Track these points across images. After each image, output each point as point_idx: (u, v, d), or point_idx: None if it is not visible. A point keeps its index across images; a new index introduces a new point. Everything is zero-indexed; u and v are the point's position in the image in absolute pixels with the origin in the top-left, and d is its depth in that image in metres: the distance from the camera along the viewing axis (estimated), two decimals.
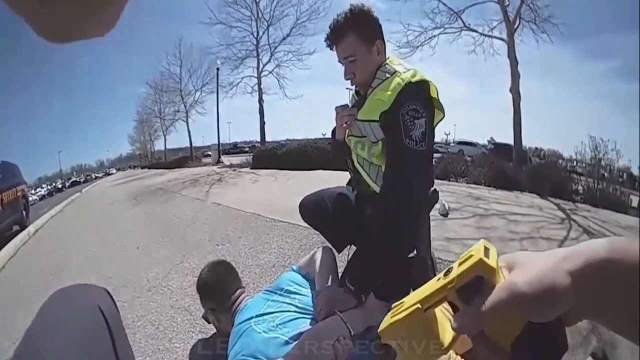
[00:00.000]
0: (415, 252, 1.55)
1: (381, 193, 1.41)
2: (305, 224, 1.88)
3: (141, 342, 1.78)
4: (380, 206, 1.39)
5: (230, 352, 1.32)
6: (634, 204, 5.92)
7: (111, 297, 0.78)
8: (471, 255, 0.40)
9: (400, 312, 0.44)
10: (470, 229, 3.42)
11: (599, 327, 1.59)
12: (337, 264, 1.60)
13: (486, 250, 0.41)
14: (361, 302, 1.34)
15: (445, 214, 3.65)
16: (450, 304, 0.42)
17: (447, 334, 0.45)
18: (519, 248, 2.89)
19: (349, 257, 1.76)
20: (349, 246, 1.79)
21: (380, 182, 1.46)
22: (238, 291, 1.62)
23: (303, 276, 1.62)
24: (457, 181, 7.36)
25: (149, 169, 17.15)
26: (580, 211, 4.83)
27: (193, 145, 21.30)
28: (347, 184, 1.81)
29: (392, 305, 0.47)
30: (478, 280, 0.39)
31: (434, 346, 0.44)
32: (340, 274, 1.58)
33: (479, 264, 0.38)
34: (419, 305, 0.43)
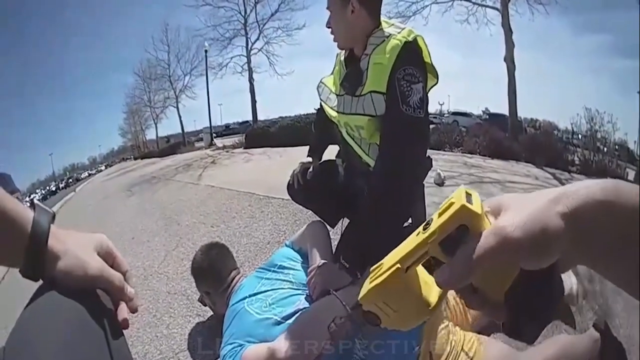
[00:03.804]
0: (410, 221, 1.50)
1: (377, 167, 1.33)
2: None
3: (139, 331, 1.76)
4: (376, 181, 1.31)
5: (225, 334, 1.29)
6: (630, 177, 5.96)
7: None
8: (452, 203, 0.35)
9: (380, 275, 0.40)
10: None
11: (592, 300, 1.59)
12: (330, 237, 1.55)
13: (468, 195, 0.35)
14: (356, 278, 1.30)
15: (440, 183, 3.59)
16: (434, 258, 0.37)
17: (432, 292, 0.41)
18: None
19: (342, 230, 1.71)
20: (342, 219, 1.75)
21: (373, 155, 1.38)
22: (232, 273, 1.58)
23: (296, 251, 1.58)
24: (452, 151, 7.25)
25: (141, 159, 16.95)
26: (576, 181, 4.77)
27: (185, 130, 21.15)
28: (336, 156, 1.73)
29: (370, 269, 0.43)
30: (462, 230, 0.34)
31: (420, 307, 0.40)
32: (334, 247, 1.54)
33: (461, 211, 0.34)
34: (398, 265, 0.39)
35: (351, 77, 1.38)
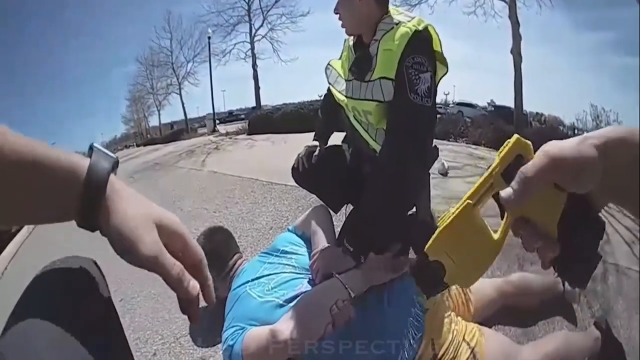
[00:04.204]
0: (414, 209, 1.49)
1: (382, 153, 1.32)
2: None
3: (141, 317, 1.75)
4: (381, 167, 1.30)
5: (226, 317, 1.28)
6: None
7: (97, 266, 0.68)
8: (508, 142, 0.42)
9: (448, 218, 0.44)
10: (471, 188, 3.30)
11: (593, 298, 1.57)
12: (334, 222, 1.53)
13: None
14: (360, 262, 1.28)
15: (444, 173, 3.56)
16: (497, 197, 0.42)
17: (496, 236, 0.44)
18: None
19: (346, 215, 1.71)
20: (345, 205, 1.73)
21: (380, 140, 1.37)
22: (235, 257, 1.56)
23: (299, 236, 1.56)
24: (456, 141, 7.18)
25: (144, 146, 16.88)
26: None
27: (188, 117, 21.06)
28: (342, 141, 1.71)
29: (439, 218, 0.46)
30: (518, 160, 0.41)
31: (487, 246, 0.43)
32: (337, 233, 1.52)
33: (516, 143, 0.42)
34: (469, 201, 0.43)
35: (360, 62, 1.38)
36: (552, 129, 7.94)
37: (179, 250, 0.49)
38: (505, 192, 0.41)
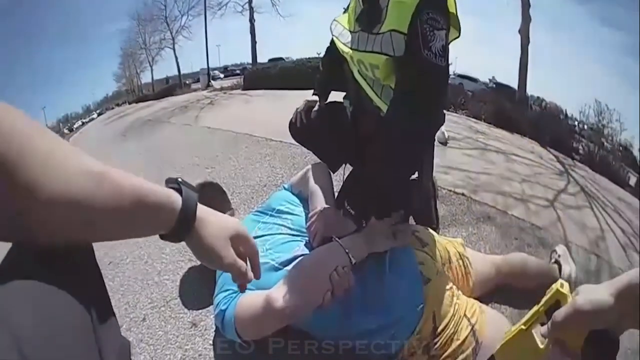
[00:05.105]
0: (417, 175, 1.41)
1: (390, 111, 1.23)
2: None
3: (130, 280, 1.67)
4: (389, 127, 1.20)
5: (219, 280, 1.21)
6: (632, 182, 5.88)
7: None
8: (552, 289, 0.61)
9: (507, 336, 0.64)
10: (471, 160, 3.24)
11: None
12: (333, 182, 1.44)
13: (562, 285, 0.60)
14: (361, 227, 1.21)
15: (444, 142, 3.49)
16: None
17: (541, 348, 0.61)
18: (517, 188, 2.79)
19: (345, 176, 1.63)
20: (344, 165, 1.66)
21: (386, 98, 1.28)
22: (227, 213, 1.46)
23: (295, 195, 1.48)
24: (456, 112, 6.96)
25: (136, 103, 16.42)
26: (579, 170, 4.66)
27: (182, 72, 20.45)
28: (344, 98, 1.59)
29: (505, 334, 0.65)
30: (557, 303, 0.59)
31: (535, 355, 0.60)
32: (336, 194, 1.44)
33: (556, 293, 0.60)
34: (522, 327, 0.62)
35: (369, 13, 1.27)
36: (553, 117, 7.86)
37: (241, 246, 0.66)
38: (543, 328, 0.58)
